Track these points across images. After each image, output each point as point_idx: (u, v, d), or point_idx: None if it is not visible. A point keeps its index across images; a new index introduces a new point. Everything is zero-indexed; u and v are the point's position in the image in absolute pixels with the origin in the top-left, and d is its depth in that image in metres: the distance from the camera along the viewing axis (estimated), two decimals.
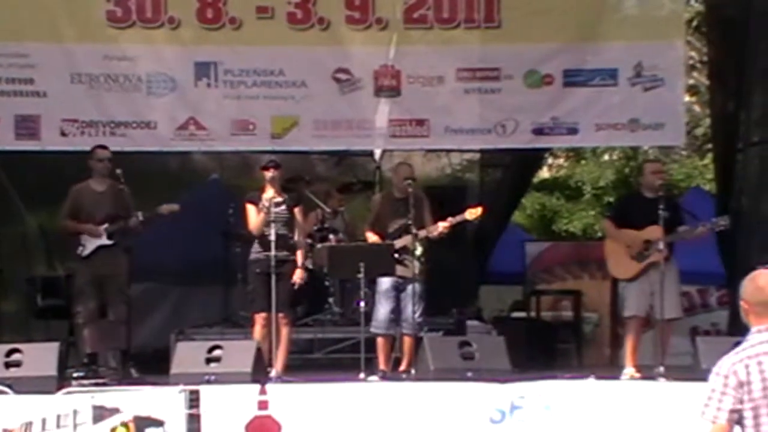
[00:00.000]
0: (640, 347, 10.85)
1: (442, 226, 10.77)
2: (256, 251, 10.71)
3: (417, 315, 10.71)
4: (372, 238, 10.95)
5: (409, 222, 10.66)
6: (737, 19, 12.74)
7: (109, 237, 10.77)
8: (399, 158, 12.62)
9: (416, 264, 10.67)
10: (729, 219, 10.88)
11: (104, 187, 10.92)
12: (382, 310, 10.76)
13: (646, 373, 10.37)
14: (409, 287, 10.70)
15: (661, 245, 10.57)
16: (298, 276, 10.67)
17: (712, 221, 10.95)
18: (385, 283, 10.76)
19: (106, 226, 10.76)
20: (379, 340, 10.77)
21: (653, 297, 10.68)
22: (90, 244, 10.77)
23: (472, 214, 10.92)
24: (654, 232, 10.63)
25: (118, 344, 10.79)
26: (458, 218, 10.86)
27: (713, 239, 12.22)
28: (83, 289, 10.79)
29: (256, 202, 10.68)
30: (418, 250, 10.69)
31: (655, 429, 9.39)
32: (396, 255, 10.65)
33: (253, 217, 10.70)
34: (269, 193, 10.69)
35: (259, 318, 10.57)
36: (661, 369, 10.28)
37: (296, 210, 10.83)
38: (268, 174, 10.73)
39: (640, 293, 10.77)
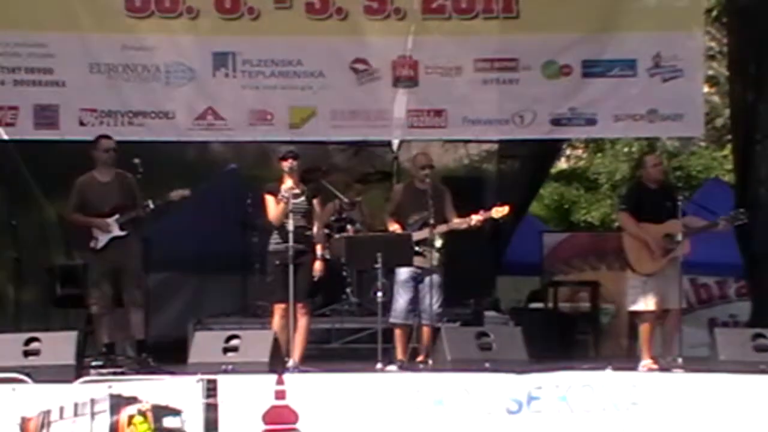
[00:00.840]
0: (655, 339, 10.91)
1: (475, 220, 10.75)
2: (275, 242, 10.72)
3: (436, 306, 10.72)
4: (393, 226, 10.94)
5: (429, 215, 10.65)
6: (757, 9, 12.70)
7: (121, 228, 10.78)
8: (417, 149, 12.62)
9: (435, 255, 10.67)
10: (746, 212, 10.84)
11: (109, 177, 10.92)
12: (401, 300, 10.78)
13: (663, 364, 10.36)
14: (428, 278, 10.70)
15: (679, 237, 10.59)
16: (317, 268, 10.68)
17: (731, 215, 10.91)
18: (403, 273, 10.77)
19: (116, 217, 10.77)
20: (398, 331, 10.78)
21: (665, 288, 10.71)
22: (103, 237, 10.77)
23: (499, 212, 10.86)
24: (673, 226, 10.64)
25: (135, 333, 10.81)
26: (486, 215, 10.82)
27: (731, 230, 12.18)
28: (98, 281, 10.81)
29: (275, 193, 10.68)
30: (438, 242, 10.69)
31: (672, 420, 9.38)
32: (416, 247, 10.64)
33: (272, 208, 10.71)
34: (288, 183, 10.69)
35: (279, 308, 10.58)
36: (680, 360, 10.28)
37: (315, 201, 10.83)
38: (287, 165, 10.73)
39: (655, 288, 10.80)
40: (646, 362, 10.56)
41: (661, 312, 10.85)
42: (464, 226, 10.81)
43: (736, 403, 9.34)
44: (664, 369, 10.25)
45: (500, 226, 12.77)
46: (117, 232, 10.77)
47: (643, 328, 10.87)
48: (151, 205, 10.78)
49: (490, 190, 13.96)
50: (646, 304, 10.85)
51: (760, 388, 9.37)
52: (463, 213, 10.90)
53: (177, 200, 10.91)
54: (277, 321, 10.59)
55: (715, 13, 15.87)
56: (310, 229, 10.72)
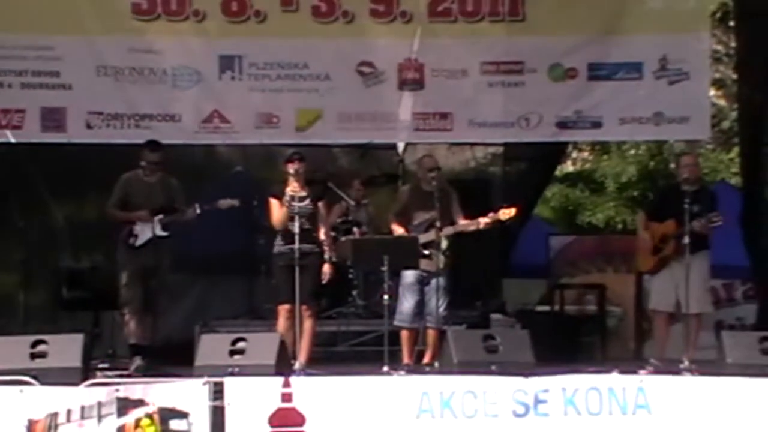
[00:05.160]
0: (669, 341, 10.93)
1: (483, 222, 10.73)
2: (279, 244, 10.73)
3: (442, 308, 10.71)
4: (398, 230, 10.94)
5: (436, 216, 10.64)
6: (764, 10, 12.70)
7: (164, 228, 10.78)
8: (422, 151, 12.62)
9: (441, 258, 10.66)
10: (720, 216, 10.78)
11: (155, 178, 10.94)
12: (407, 303, 10.77)
13: (671, 367, 10.36)
14: (434, 281, 10.70)
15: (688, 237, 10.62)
16: (326, 271, 10.66)
17: (708, 216, 10.83)
18: (409, 276, 10.76)
19: (160, 217, 10.78)
20: (404, 334, 10.78)
21: (678, 291, 10.70)
22: (143, 235, 10.78)
23: (506, 214, 10.81)
24: (669, 226, 10.68)
25: (145, 338, 10.80)
26: (493, 217, 10.80)
27: (738, 232, 12.19)
28: (130, 280, 10.76)
29: (279, 197, 10.69)
30: (444, 244, 10.68)
31: (679, 423, 9.37)
32: (422, 250, 10.63)
33: (276, 212, 10.71)
34: (293, 186, 10.70)
35: (283, 310, 10.59)
36: (686, 363, 10.28)
37: (320, 204, 10.83)
38: (292, 167, 10.74)
39: (660, 287, 10.91)
40: (653, 361, 10.59)
41: (671, 314, 10.92)
42: (471, 228, 10.81)
43: (744, 406, 9.33)
44: (671, 372, 10.21)
45: (506, 228, 12.81)
46: (159, 231, 10.77)
47: (653, 328, 11.01)
48: (198, 210, 10.79)
49: (496, 192, 13.97)
50: (648, 301, 11.15)
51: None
52: (470, 216, 10.89)
53: (224, 209, 10.89)
54: (282, 322, 10.59)
55: (720, 15, 15.88)
56: (315, 231, 10.72)
